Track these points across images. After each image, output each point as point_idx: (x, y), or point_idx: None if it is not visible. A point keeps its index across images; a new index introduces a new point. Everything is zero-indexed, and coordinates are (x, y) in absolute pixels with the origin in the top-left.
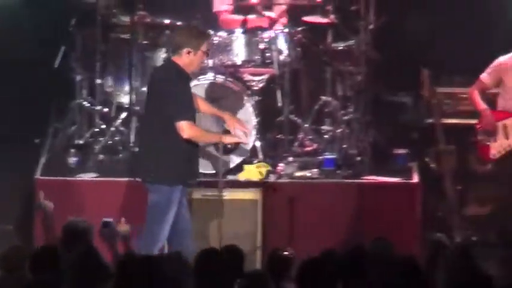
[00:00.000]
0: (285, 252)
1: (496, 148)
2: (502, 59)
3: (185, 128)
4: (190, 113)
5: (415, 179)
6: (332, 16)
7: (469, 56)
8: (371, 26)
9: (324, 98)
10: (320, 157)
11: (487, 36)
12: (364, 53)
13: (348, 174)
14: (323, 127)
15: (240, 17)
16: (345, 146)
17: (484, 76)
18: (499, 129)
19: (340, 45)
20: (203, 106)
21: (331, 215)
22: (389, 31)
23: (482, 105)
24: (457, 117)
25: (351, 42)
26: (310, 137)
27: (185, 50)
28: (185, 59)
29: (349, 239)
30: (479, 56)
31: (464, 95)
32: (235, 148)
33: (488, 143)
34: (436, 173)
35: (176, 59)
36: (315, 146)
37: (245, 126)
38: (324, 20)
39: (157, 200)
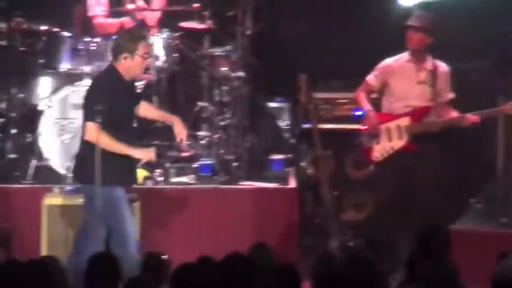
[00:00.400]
0: (162, 256)
1: (379, 151)
2: (389, 61)
3: (88, 130)
4: (103, 117)
5: (292, 184)
6: (209, 22)
7: (346, 61)
8: (248, 32)
9: (200, 103)
10: (197, 163)
11: (363, 40)
12: (241, 59)
13: (225, 179)
14: (200, 133)
15: (115, 21)
16: (221, 151)
17: (371, 78)
18: (382, 132)
19: (218, 51)
20: (149, 111)
21: (208, 220)
22: (266, 36)
23: (366, 106)
24: (334, 122)
25: (228, 47)
26: (187, 142)
27: (122, 56)
28: (123, 65)
29: (227, 245)
30: (356, 61)
31: (342, 100)
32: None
33: (372, 146)
34: (313, 178)
35: (116, 64)
36: (192, 151)
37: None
38: (201, 26)
39: (102, 202)
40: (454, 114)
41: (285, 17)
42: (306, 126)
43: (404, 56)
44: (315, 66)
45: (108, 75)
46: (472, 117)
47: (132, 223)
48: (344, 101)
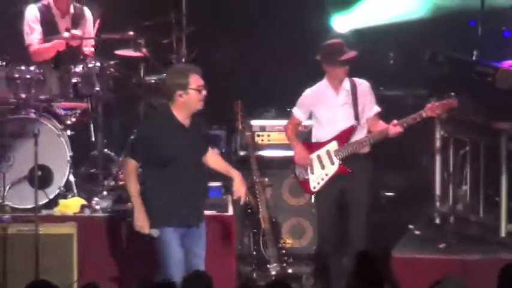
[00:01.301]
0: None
1: (315, 180)
2: (308, 91)
3: (124, 165)
4: (144, 155)
5: (230, 211)
6: (144, 49)
7: (280, 88)
8: (183, 59)
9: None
10: None
11: (298, 67)
12: None
13: None
14: None
15: (49, 45)
16: None
17: (295, 110)
18: (314, 161)
19: (153, 78)
20: (213, 160)
21: (146, 248)
22: (202, 64)
23: (294, 140)
24: (271, 149)
25: (164, 75)
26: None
27: (177, 94)
28: (180, 102)
29: None
30: (290, 88)
31: (277, 127)
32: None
33: (307, 177)
34: (251, 205)
35: (173, 104)
36: None
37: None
38: (136, 54)
39: (156, 241)
40: (384, 126)
41: (220, 45)
42: (243, 153)
43: (323, 83)
44: (250, 93)
45: (159, 114)
46: (394, 128)
47: (177, 264)
48: (279, 127)
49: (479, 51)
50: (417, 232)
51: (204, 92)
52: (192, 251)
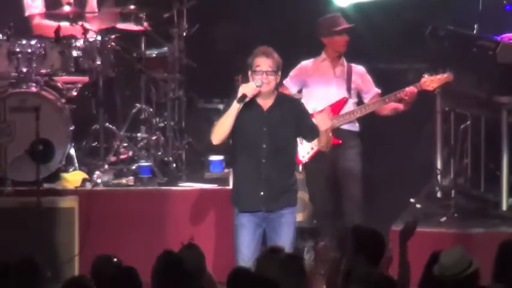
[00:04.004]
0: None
1: (305, 149)
2: (304, 63)
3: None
4: (234, 136)
5: (231, 185)
6: (145, 23)
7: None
8: (184, 33)
9: (138, 105)
10: (136, 164)
11: (299, 41)
12: (177, 60)
13: (164, 181)
14: (138, 134)
15: (53, 23)
16: (160, 153)
17: (287, 81)
18: None
19: (154, 53)
20: None
21: (149, 222)
22: (202, 38)
23: None
24: None
25: (165, 49)
26: (126, 144)
27: (249, 74)
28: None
29: (167, 246)
30: (292, 62)
31: None
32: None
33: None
34: None
35: None
36: (130, 153)
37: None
38: (137, 28)
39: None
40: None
41: (220, 19)
42: None
43: (320, 56)
44: None
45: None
46: (409, 88)
47: (243, 250)
48: None
49: (480, 25)
50: (418, 206)
51: (259, 76)
52: (272, 239)
